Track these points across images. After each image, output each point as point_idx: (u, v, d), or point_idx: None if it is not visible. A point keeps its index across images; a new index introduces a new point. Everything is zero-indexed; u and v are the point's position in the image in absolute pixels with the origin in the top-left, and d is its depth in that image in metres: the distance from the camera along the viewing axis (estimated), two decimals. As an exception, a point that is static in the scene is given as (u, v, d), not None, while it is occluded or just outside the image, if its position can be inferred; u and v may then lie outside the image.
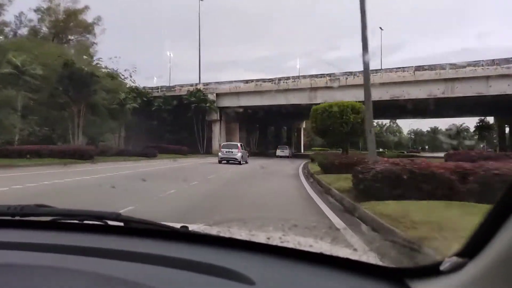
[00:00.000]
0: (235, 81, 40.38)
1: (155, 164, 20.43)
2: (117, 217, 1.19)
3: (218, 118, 41.89)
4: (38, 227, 1.29)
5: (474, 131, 67.48)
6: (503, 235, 0.67)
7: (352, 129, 12.98)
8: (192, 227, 1.30)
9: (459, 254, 0.78)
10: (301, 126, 73.96)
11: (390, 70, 33.12)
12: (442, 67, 31.27)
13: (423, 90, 31.66)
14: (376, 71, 33.61)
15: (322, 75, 36.08)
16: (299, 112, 46.40)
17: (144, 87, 43.38)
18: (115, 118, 33.73)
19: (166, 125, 41.76)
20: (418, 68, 32.03)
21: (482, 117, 59.93)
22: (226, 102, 41.40)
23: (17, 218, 1.23)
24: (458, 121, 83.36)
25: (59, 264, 0.98)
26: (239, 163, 22.80)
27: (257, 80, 39.19)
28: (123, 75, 33.50)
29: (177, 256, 1.01)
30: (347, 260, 1.01)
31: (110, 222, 1.22)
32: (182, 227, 1.26)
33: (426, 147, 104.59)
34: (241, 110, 41.78)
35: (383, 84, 32.90)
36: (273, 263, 1.02)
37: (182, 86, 43.28)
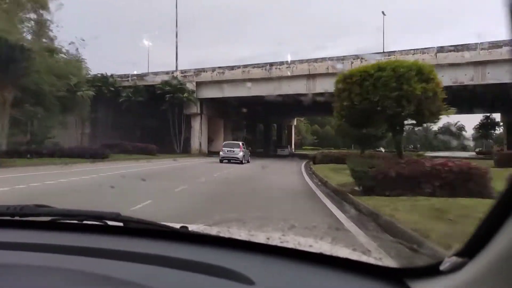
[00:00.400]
0: (218, 67, 33.98)
1: (87, 172, 13.68)
2: (116, 217, 1.17)
3: (199, 111, 35.44)
4: (38, 227, 1.28)
5: (477, 128, 62.63)
6: (503, 235, 0.67)
7: (418, 110, 6.87)
8: (192, 227, 1.29)
9: (459, 254, 0.77)
10: (292, 124, 69.05)
11: (407, 52, 27.25)
12: (470, 47, 25.56)
13: (447, 76, 25.82)
14: (389, 53, 27.77)
15: (322, 59, 30.02)
16: (292, 106, 40.44)
17: (112, 75, 36.78)
18: (68, 109, 27.08)
19: (136, 119, 35.22)
20: (441, 49, 26.26)
21: (488, 114, 55.72)
22: (208, 93, 35.00)
23: (16, 218, 1.21)
24: (449, 119, 78.87)
25: (58, 264, 0.97)
26: (241, 163, 22.12)
27: (245, 66, 32.90)
28: (66, 50, 26.56)
29: (177, 256, 1.01)
30: (347, 260, 1.00)
31: (110, 222, 1.21)
32: (181, 227, 1.24)
33: (418, 145, 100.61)
34: (225, 102, 35.55)
35: (397, 70, 27.12)
36: (272, 263, 1.01)
37: (156, 73, 36.71)
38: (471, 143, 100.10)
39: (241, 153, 23.01)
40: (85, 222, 1.24)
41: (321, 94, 30.60)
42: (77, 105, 27.19)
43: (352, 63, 28.83)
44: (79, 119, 35.28)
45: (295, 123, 71.87)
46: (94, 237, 1.18)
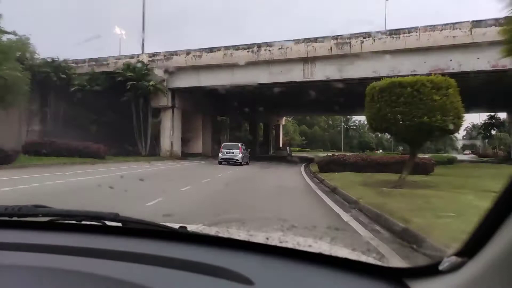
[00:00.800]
0: (194, 49, 27.55)
1: None
2: (115, 217, 1.15)
3: (170, 104, 28.95)
4: (36, 228, 1.26)
5: (481, 128, 57.86)
6: (502, 235, 0.67)
7: None
8: (191, 228, 1.28)
9: (458, 254, 0.77)
10: (280, 123, 63.16)
11: (432, 28, 21.46)
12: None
13: (484, 58, 20.16)
14: (409, 30, 21.98)
15: (323, 38, 23.94)
16: (284, 99, 34.44)
17: (64, 60, 30.01)
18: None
19: (93, 113, 28.60)
20: (478, 24, 20.54)
21: (492, 113, 51.11)
22: (181, 81, 28.56)
23: (14, 218, 1.20)
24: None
25: (56, 265, 0.96)
26: (240, 164, 22.30)
27: (227, 48, 26.58)
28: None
29: (176, 257, 1.00)
30: (346, 260, 0.99)
31: (108, 223, 1.18)
32: (180, 227, 1.22)
33: (401, 148, 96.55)
34: (204, 93, 29.20)
35: (418, 50, 21.35)
36: (272, 263, 1.00)
37: (118, 58, 30.07)
38: (459, 144, 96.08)
39: (240, 155, 23.02)
40: (83, 222, 1.23)
41: (321, 82, 24.67)
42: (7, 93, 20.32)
43: (362, 42, 22.91)
44: (23, 113, 29.02)
45: (283, 123, 66.06)
46: (92, 237, 1.17)
